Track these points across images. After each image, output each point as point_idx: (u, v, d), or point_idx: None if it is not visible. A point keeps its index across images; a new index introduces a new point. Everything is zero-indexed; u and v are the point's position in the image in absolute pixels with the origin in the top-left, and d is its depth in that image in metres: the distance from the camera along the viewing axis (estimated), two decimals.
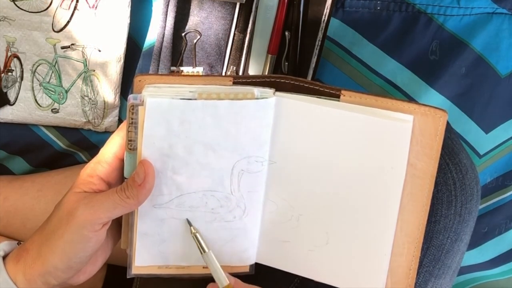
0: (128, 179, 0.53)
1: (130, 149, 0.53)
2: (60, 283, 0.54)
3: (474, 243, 1.00)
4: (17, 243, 0.57)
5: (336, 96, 0.54)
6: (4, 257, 0.55)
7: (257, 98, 0.53)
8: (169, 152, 0.54)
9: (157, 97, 0.52)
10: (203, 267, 0.59)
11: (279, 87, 0.55)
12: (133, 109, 0.52)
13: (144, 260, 0.58)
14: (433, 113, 0.53)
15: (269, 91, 0.54)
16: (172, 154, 0.54)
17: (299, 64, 0.78)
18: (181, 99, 0.52)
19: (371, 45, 0.80)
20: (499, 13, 0.79)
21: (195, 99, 0.53)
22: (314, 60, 0.76)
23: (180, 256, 0.58)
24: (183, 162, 0.55)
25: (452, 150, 0.63)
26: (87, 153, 0.84)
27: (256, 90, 0.54)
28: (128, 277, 0.58)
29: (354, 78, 0.83)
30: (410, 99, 0.83)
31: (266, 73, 0.78)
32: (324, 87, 0.55)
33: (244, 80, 0.55)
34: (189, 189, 0.56)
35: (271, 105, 0.54)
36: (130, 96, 0.52)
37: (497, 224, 0.98)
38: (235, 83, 0.54)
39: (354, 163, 0.55)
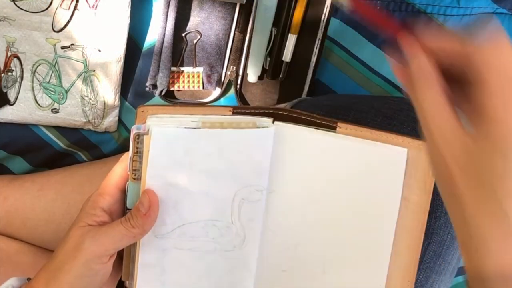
0: (133, 209, 0.53)
1: (134, 178, 0.54)
2: None
3: None
4: (27, 279, 0.56)
5: (333, 128, 0.55)
6: None
7: (258, 127, 0.54)
8: (173, 181, 0.54)
9: (162, 127, 0.53)
10: None
11: (277, 119, 0.56)
12: (138, 138, 0.53)
13: None
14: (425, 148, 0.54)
15: (268, 120, 0.55)
16: (175, 184, 0.54)
17: (299, 64, 0.78)
18: (185, 128, 0.53)
19: (371, 45, 0.80)
20: (499, 13, 0.79)
21: (199, 127, 0.53)
22: (314, 59, 0.76)
23: (181, 286, 0.58)
24: (186, 191, 0.55)
25: None
26: (87, 153, 0.84)
27: (257, 120, 0.54)
28: None
29: (354, 78, 0.83)
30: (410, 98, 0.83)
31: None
32: (321, 119, 0.56)
33: (243, 111, 0.55)
34: (191, 219, 0.56)
35: (271, 134, 0.55)
36: (134, 127, 0.53)
37: None
38: (234, 113, 0.55)
39: (351, 192, 0.56)
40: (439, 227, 0.62)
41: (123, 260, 0.57)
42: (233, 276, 0.58)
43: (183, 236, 0.56)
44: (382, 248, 0.56)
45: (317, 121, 0.56)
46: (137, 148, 0.53)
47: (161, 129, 0.52)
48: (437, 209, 0.61)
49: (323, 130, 0.55)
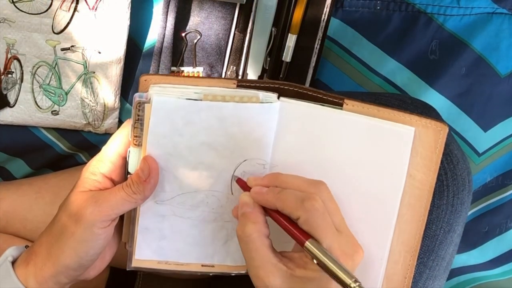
0: (133, 175, 0.54)
1: (135, 144, 0.54)
2: (71, 281, 0.55)
3: (474, 243, 1.00)
4: (25, 247, 0.58)
5: (339, 105, 0.55)
6: (13, 262, 0.55)
7: (261, 102, 0.54)
8: (173, 151, 0.54)
9: (163, 96, 0.53)
10: (202, 265, 0.60)
11: (283, 93, 0.56)
12: (139, 106, 0.53)
13: (144, 254, 0.58)
14: (433, 125, 0.54)
15: (273, 95, 0.55)
16: (175, 153, 0.54)
17: (299, 64, 0.78)
18: (186, 99, 0.53)
19: (371, 45, 0.80)
20: (499, 13, 0.79)
21: (201, 100, 0.53)
22: (314, 59, 0.76)
23: (179, 253, 0.59)
24: (186, 161, 0.55)
25: None
26: (87, 155, 0.84)
27: (261, 94, 0.54)
28: (127, 269, 0.59)
29: (353, 77, 0.83)
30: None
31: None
32: (327, 95, 0.55)
33: (248, 84, 0.55)
34: (191, 188, 0.56)
35: (276, 109, 0.55)
36: (136, 95, 0.53)
37: (497, 223, 0.98)
38: (239, 86, 0.55)
39: (355, 168, 0.56)
40: (431, 222, 0.62)
41: (124, 221, 0.58)
42: (233, 246, 0.59)
43: (182, 204, 0.57)
44: (386, 223, 0.56)
45: (324, 97, 0.55)
46: (138, 115, 0.53)
47: (161, 98, 0.53)
48: None
49: (329, 106, 0.55)
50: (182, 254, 0.59)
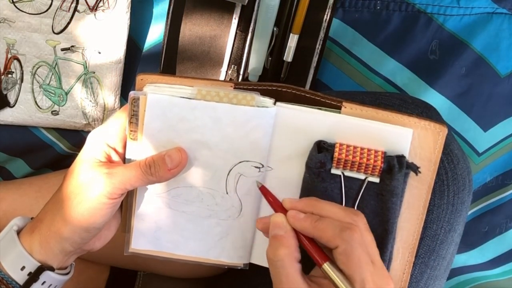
0: (158, 157, 0.54)
1: (131, 138, 0.55)
2: (76, 249, 0.55)
3: (474, 243, 1.00)
4: (31, 218, 0.58)
5: (337, 108, 0.55)
6: (19, 232, 0.56)
7: (257, 106, 0.54)
8: (168, 145, 0.55)
9: (157, 94, 0.54)
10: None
11: (280, 96, 0.56)
12: (134, 102, 0.54)
13: (140, 243, 0.60)
14: (432, 127, 0.54)
15: (269, 101, 0.55)
16: (170, 147, 0.55)
17: (301, 64, 0.78)
18: (181, 97, 0.54)
19: (371, 45, 0.80)
20: (499, 13, 0.80)
21: (194, 98, 0.54)
22: (315, 59, 0.76)
23: (174, 245, 0.60)
24: None
25: None
26: None
27: (257, 98, 0.54)
28: (125, 253, 0.60)
29: (354, 77, 0.83)
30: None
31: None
32: (325, 98, 0.55)
33: (245, 87, 0.55)
34: (185, 183, 0.57)
35: (271, 115, 0.55)
36: (131, 92, 0.54)
37: (497, 223, 0.98)
38: (236, 89, 0.55)
39: None
40: (431, 221, 0.63)
41: (122, 213, 0.59)
42: (228, 243, 0.60)
43: (177, 197, 0.58)
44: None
45: (321, 99, 0.55)
46: (134, 111, 0.54)
47: (156, 96, 0.53)
48: (429, 203, 0.61)
49: (327, 110, 0.55)
50: (177, 246, 0.60)
